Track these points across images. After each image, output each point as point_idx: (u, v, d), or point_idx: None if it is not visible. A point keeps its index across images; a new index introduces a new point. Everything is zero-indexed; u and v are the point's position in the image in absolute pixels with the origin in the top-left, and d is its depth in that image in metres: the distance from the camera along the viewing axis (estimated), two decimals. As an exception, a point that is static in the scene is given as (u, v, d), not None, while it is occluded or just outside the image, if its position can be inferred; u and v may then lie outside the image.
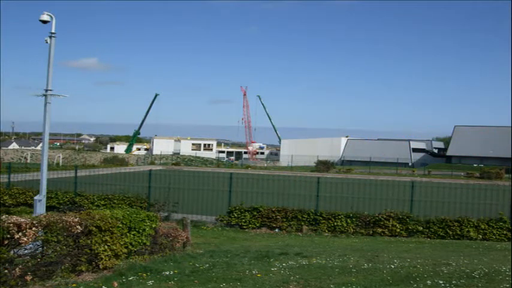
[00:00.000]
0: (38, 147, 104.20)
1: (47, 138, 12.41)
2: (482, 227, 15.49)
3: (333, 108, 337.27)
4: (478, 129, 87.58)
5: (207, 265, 8.57)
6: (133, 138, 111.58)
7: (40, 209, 12.13)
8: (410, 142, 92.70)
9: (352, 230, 16.09)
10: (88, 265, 7.72)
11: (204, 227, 16.70)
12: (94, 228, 7.80)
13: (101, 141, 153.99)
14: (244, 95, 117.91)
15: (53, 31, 12.07)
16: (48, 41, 12.06)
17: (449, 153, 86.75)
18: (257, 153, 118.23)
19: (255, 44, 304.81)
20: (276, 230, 16.55)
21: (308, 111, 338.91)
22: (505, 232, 15.41)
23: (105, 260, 7.90)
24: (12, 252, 6.53)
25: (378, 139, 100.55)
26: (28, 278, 6.60)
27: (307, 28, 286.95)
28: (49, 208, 15.94)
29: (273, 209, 16.75)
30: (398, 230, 15.81)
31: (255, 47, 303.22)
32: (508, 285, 6.83)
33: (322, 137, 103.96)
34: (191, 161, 77.98)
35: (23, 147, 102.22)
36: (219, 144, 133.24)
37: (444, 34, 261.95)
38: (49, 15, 11.99)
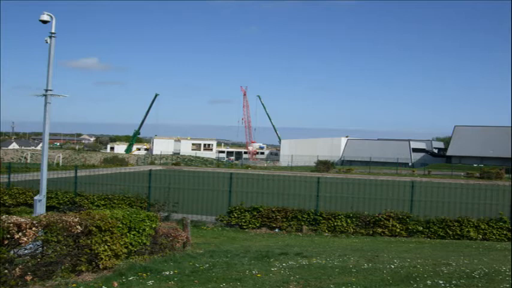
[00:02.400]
0: (38, 147, 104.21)
1: (47, 138, 12.41)
2: (482, 227, 15.49)
3: (333, 108, 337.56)
4: (478, 129, 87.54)
5: (207, 265, 8.57)
6: (133, 138, 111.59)
7: (40, 209, 12.14)
8: (410, 142, 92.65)
9: (352, 230, 16.09)
10: (88, 265, 7.72)
11: (204, 227, 16.70)
12: (94, 228, 7.80)
13: (101, 141, 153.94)
14: (244, 95, 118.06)
15: (53, 31, 12.08)
16: (48, 41, 12.07)
17: (449, 153, 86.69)
18: (257, 153, 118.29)
19: (255, 44, 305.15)
20: (276, 230, 16.55)
21: (308, 111, 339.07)
22: (505, 232, 15.41)
23: (105, 260, 7.89)
24: (12, 252, 6.53)
25: (378, 139, 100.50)
26: (28, 278, 6.60)
27: (307, 28, 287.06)
28: (49, 208, 15.95)
29: (273, 209, 16.75)
30: (398, 230, 15.81)
31: (255, 47, 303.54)
32: (508, 285, 6.83)
33: (322, 137, 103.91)
34: (191, 161, 78.00)
35: (23, 147, 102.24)
36: (219, 144, 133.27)
37: (444, 34, 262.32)
38: (49, 15, 12.00)
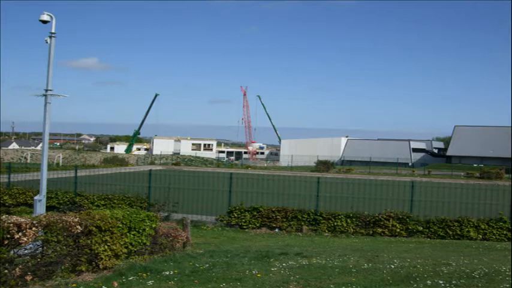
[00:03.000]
0: (38, 147, 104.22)
1: (47, 138, 12.41)
2: (482, 227, 15.49)
3: (333, 108, 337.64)
4: (478, 129, 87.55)
5: (207, 265, 8.57)
6: (133, 138, 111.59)
7: (40, 209, 12.14)
8: (410, 142, 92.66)
9: (352, 230, 16.09)
10: (88, 265, 7.72)
11: (204, 227, 16.70)
12: (94, 228, 7.80)
13: (101, 141, 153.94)
14: (244, 95, 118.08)
15: (53, 31, 12.09)
16: (48, 41, 12.08)
17: (449, 153, 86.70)
18: (257, 153, 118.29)
19: (255, 44, 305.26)
20: (276, 230, 16.55)
21: (308, 111, 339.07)
22: (505, 232, 15.40)
23: (105, 260, 7.89)
24: (12, 252, 6.53)
25: (378, 139, 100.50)
26: (28, 278, 6.60)
27: (307, 28, 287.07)
28: (49, 208, 15.95)
29: (273, 209, 16.75)
30: (398, 230, 15.81)
31: (255, 47, 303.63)
32: (508, 285, 6.83)
33: (322, 137, 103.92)
34: (191, 161, 77.99)
35: (23, 147, 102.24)
36: (219, 144, 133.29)
37: (444, 34, 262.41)
38: (49, 15, 12.00)
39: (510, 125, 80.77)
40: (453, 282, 6.99)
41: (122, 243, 8.40)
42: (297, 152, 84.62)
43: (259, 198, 18.88)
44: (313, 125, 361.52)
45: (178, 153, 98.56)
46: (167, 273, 7.69)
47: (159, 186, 19.20)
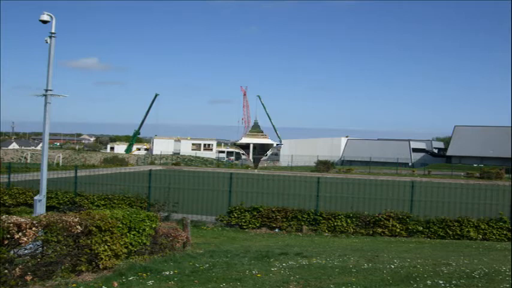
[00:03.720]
0: (38, 147, 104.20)
1: (47, 138, 12.42)
2: (482, 227, 15.49)
3: (333, 108, 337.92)
4: (478, 129, 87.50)
5: (207, 265, 8.57)
6: (133, 138, 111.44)
7: (40, 209, 12.14)
8: (410, 142, 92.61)
9: (352, 230, 16.09)
10: (88, 265, 7.72)
11: (204, 227, 16.70)
12: (94, 228, 7.80)
13: (101, 141, 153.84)
14: (244, 95, 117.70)
15: (53, 31, 12.09)
16: (48, 41, 12.08)
17: (449, 153, 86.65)
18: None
19: (255, 44, 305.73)
20: (276, 230, 16.55)
21: (308, 111, 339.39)
22: (505, 232, 15.41)
23: (105, 260, 7.89)
24: (12, 252, 6.53)
25: (378, 139, 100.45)
26: (28, 278, 6.60)
27: (307, 28, 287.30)
28: (49, 208, 15.94)
29: (273, 209, 16.75)
30: (398, 230, 15.81)
31: (255, 47, 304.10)
32: (508, 285, 6.83)
33: (322, 137, 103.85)
34: (191, 161, 77.97)
35: (23, 147, 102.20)
36: (219, 144, 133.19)
37: (444, 34, 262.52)
38: (49, 15, 12.00)
39: (510, 125, 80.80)
40: (453, 282, 6.99)
41: (122, 243, 8.40)
42: (297, 152, 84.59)
43: (259, 198, 18.88)
44: (313, 125, 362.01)
45: (178, 153, 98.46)
46: (167, 273, 7.69)
47: (159, 186, 19.20)
